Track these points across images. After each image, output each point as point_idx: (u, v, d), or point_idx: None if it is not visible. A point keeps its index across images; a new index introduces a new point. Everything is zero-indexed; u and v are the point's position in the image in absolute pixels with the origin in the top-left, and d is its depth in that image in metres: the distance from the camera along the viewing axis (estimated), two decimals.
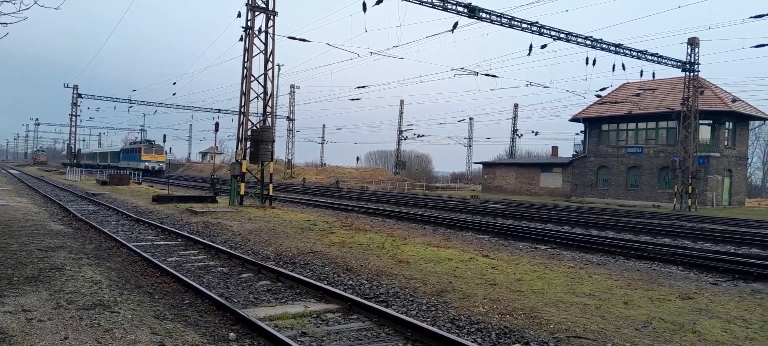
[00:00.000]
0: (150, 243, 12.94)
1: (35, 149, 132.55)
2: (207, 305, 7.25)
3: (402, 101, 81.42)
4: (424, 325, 6.31)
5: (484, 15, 26.67)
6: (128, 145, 78.63)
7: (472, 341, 6.00)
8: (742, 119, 44.21)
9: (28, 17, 8.21)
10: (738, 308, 7.60)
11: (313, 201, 30.52)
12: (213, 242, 12.83)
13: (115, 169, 69.39)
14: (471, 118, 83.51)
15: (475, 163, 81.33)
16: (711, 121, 41.73)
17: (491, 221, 22.14)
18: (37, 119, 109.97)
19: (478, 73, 31.02)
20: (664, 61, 34.42)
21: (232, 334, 6.05)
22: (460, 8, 25.92)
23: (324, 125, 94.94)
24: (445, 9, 25.64)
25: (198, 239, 13.31)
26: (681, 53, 36.30)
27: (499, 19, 27.25)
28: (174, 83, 67.73)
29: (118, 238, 12.90)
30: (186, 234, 14.14)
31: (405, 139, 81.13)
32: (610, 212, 30.98)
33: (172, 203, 23.15)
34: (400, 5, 23.88)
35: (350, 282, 8.91)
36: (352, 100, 49.85)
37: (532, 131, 60.55)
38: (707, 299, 8.02)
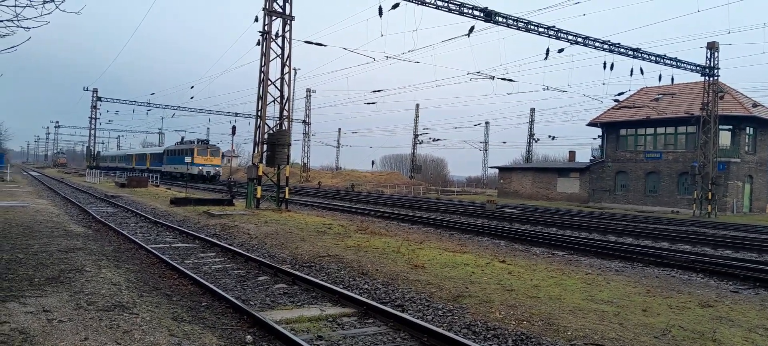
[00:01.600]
0: (168, 245, 13.06)
1: (55, 152, 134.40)
2: (224, 307, 7.30)
3: (417, 105, 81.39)
4: (440, 330, 6.28)
5: (500, 19, 26.58)
6: (175, 145, 66.26)
7: None
8: (763, 125, 43.54)
9: (51, 22, 8.32)
10: (759, 316, 7.48)
11: (329, 205, 30.60)
12: (230, 245, 12.90)
13: (157, 174, 61.01)
14: (487, 123, 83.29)
15: (491, 167, 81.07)
16: (731, 127, 41.18)
17: (507, 226, 22.02)
18: (57, 122, 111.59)
19: (494, 77, 30.93)
20: (683, 65, 34.05)
21: (248, 336, 6.08)
22: (476, 12, 25.87)
23: (339, 129, 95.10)
24: (461, 13, 25.60)
25: (215, 241, 13.40)
26: (700, 57, 35.96)
27: (515, 23, 27.14)
28: (192, 87, 68.02)
29: (136, 240, 13.03)
30: (203, 237, 14.24)
31: (420, 143, 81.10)
32: (628, 218, 30.67)
33: (189, 205, 23.34)
34: (416, 10, 23.90)
35: (366, 286, 8.92)
36: (368, 104, 50.16)
37: (549, 136, 60.56)
38: (727, 307, 7.90)
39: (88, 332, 5.37)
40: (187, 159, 57.19)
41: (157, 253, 11.10)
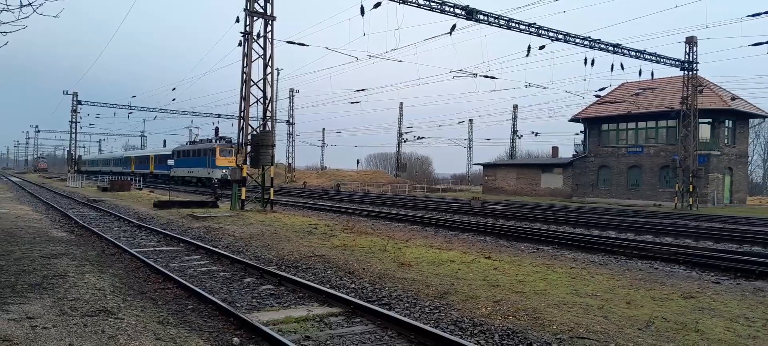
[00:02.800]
0: (152, 249, 12.96)
1: (35, 156, 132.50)
2: (210, 310, 7.27)
3: (401, 104, 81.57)
4: (427, 327, 6.32)
5: (481, 17, 26.72)
6: (189, 145, 55.18)
7: (475, 343, 6.01)
8: (741, 117, 44.23)
9: (28, 26, 8.21)
10: (740, 306, 7.61)
11: (314, 205, 30.53)
12: (215, 247, 12.83)
13: (163, 179, 52.21)
14: (471, 120, 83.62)
15: (475, 164, 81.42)
16: (710, 120, 41.78)
17: (492, 223, 22.14)
18: (37, 126, 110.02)
19: (476, 74, 31.07)
20: (662, 60, 34.48)
21: (235, 339, 6.07)
22: (457, 10, 25.97)
23: (324, 129, 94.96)
24: (442, 11, 25.69)
25: (200, 244, 13.32)
26: (679, 52, 36.48)
27: (496, 21, 27.30)
28: (173, 89, 67.69)
29: (120, 244, 12.91)
30: (188, 239, 14.15)
31: (405, 141, 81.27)
32: (611, 212, 30.99)
33: (173, 208, 23.16)
34: (398, 9, 23.94)
35: (353, 285, 8.93)
36: (352, 103, 49.99)
37: (532, 132, 60.76)
38: (709, 298, 8.03)
39: (73, 338, 5.32)
40: (206, 161, 46.74)
41: (141, 257, 11.01)
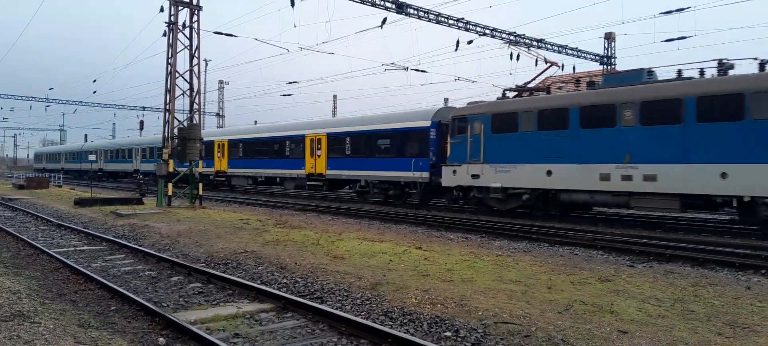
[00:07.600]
0: (73, 249, 12.40)
1: None
2: (135, 310, 7.06)
3: (334, 96, 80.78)
4: (358, 319, 6.40)
5: (412, 11, 26.97)
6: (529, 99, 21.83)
7: (404, 332, 6.14)
8: None
9: None
10: (652, 288, 8.12)
11: (246, 199, 30.00)
12: (140, 246, 12.43)
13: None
14: None
15: None
16: None
17: (425, 213, 22.46)
18: None
19: (408, 68, 31.41)
20: (583, 55, 35.96)
21: (161, 339, 5.94)
22: (388, 4, 26.10)
23: (256, 121, 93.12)
24: (373, 4, 25.75)
25: (124, 242, 12.86)
26: (599, 47, 38.07)
27: (426, 15, 27.64)
28: (94, 81, 64.17)
29: (37, 244, 12.28)
30: (111, 238, 13.64)
31: None
32: None
33: (95, 206, 22.20)
34: (329, 0, 23.83)
35: (285, 281, 8.89)
36: (284, 95, 49.24)
37: None
38: (624, 281, 8.51)
39: None
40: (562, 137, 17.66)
41: (60, 258, 10.53)
